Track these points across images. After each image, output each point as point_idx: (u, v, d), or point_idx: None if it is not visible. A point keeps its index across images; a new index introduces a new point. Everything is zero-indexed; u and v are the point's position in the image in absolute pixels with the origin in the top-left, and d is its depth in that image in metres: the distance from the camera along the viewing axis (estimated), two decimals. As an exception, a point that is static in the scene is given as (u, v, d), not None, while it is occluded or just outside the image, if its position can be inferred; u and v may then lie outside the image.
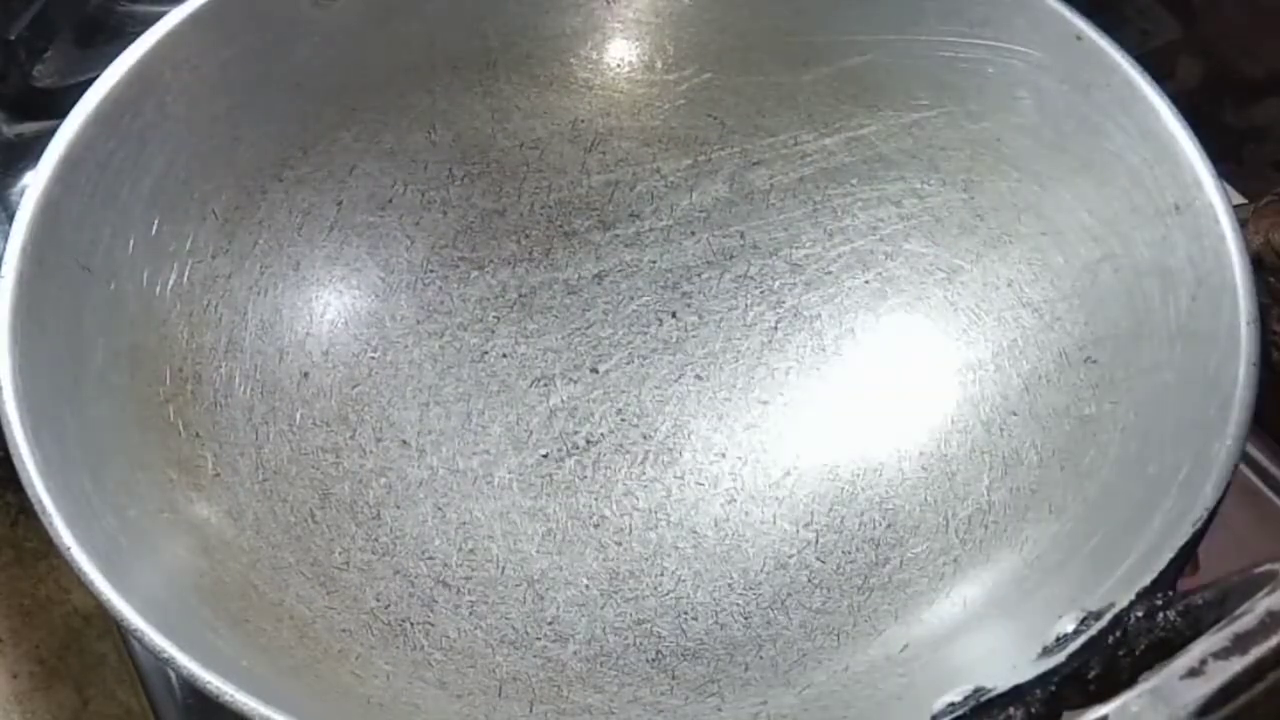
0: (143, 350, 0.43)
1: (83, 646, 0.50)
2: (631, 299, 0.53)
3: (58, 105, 0.44)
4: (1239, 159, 0.60)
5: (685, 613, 0.45)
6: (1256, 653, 0.29)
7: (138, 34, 0.43)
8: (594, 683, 0.43)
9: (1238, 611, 0.30)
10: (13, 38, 0.55)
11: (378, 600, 0.43)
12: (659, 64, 0.52)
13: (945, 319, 0.49)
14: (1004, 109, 0.47)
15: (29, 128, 0.56)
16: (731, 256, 0.53)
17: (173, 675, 0.44)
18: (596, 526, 0.47)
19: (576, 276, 0.53)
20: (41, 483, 0.35)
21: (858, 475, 0.48)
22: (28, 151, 0.53)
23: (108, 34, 0.58)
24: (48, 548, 0.35)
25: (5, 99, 0.56)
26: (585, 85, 0.52)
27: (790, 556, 0.46)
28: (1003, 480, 0.45)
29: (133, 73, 0.42)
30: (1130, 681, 0.31)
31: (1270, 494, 0.48)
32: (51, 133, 0.41)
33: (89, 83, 0.42)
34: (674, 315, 0.52)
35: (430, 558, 0.46)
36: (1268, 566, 0.32)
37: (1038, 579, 0.40)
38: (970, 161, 0.49)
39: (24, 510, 0.52)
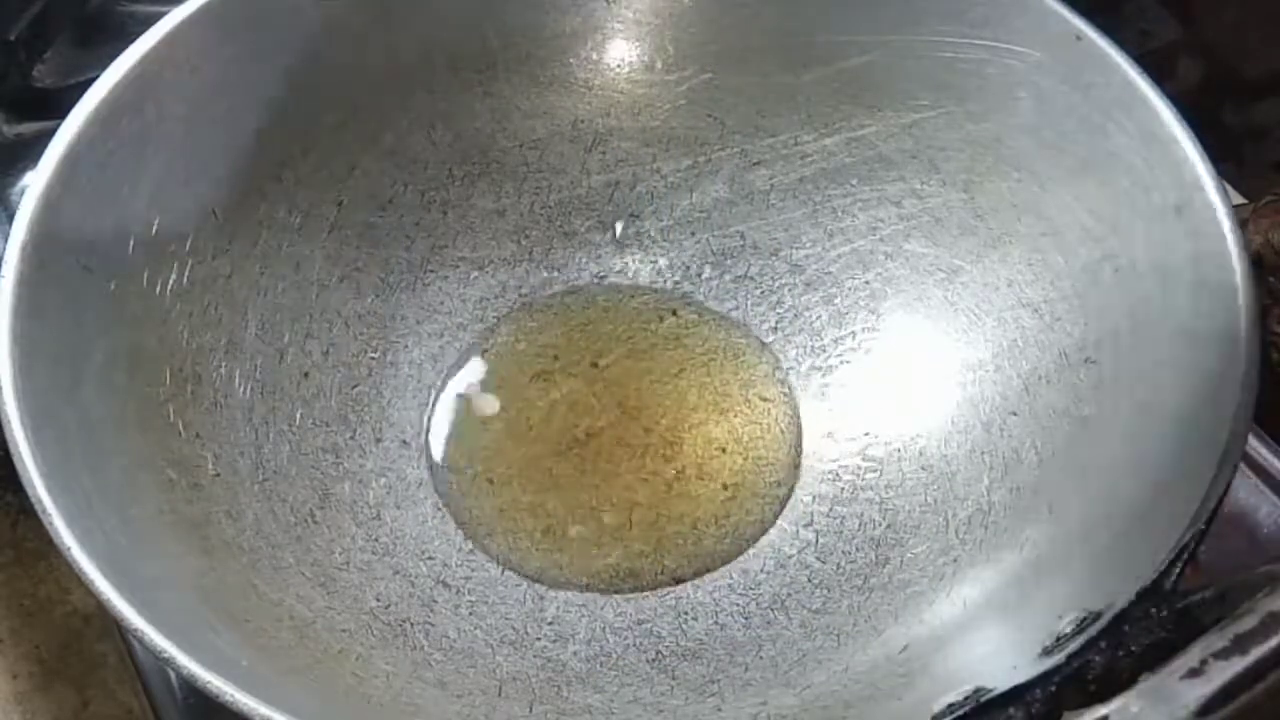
0: (143, 350, 0.43)
1: (83, 646, 0.50)
2: (632, 297, 0.53)
3: (58, 105, 0.44)
4: (1239, 159, 0.60)
5: (685, 612, 0.45)
6: (1256, 653, 0.29)
7: (138, 34, 0.43)
8: (594, 683, 0.43)
9: (1238, 611, 0.30)
10: (13, 38, 0.55)
11: (378, 600, 0.43)
12: (659, 64, 0.52)
13: (945, 319, 0.49)
14: (1004, 109, 0.47)
15: (29, 128, 0.56)
16: (731, 257, 0.53)
17: (173, 675, 0.44)
18: (596, 522, 0.47)
19: (576, 276, 0.53)
20: (41, 483, 0.35)
21: (858, 475, 0.48)
22: (28, 151, 0.53)
23: (108, 34, 0.58)
24: (48, 548, 0.35)
25: (5, 99, 0.56)
26: (585, 85, 0.52)
27: (790, 556, 0.46)
28: (1003, 480, 0.45)
29: (133, 73, 0.42)
30: (1130, 681, 0.31)
31: (1270, 494, 0.48)
32: (51, 133, 0.41)
33: (89, 83, 0.42)
34: (674, 313, 0.52)
35: (430, 558, 0.46)
36: (1268, 567, 0.32)
37: (1038, 579, 0.40)
38: (970, 162, 0.49)
39: (24, 510, 0.52)
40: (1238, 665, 0.29)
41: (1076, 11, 0.45)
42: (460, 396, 0.50)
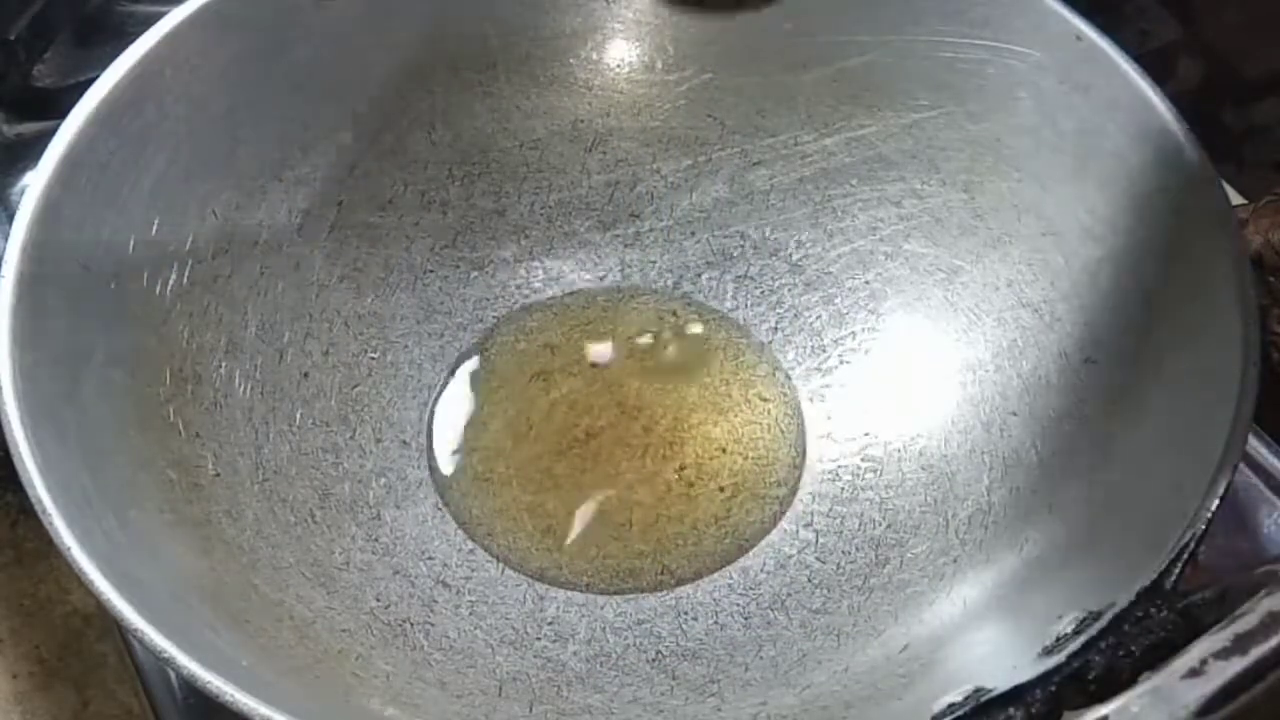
0: (143, 350, 0.43)
1: (83, 646, 0.50)
2: (631, 298, 0.53)
3: (58, 105, 0.44)
4: (1239, 159, 0.60)
5: (685, 612, 0.45)
6: (1256, 653, 0.29)
7: (138, 34, 0.43)
8: (594, 683, 0.43)
9: (1238, 611, 0.30)
10: (13, 38, 0.55)
11: (378, 600, 0.43)
12: (659, 64, 0.52)
13: (945, 319, 0.49)
14: (1004, 109, 0.47)
15: (29, 128, 0.55)
16: (731, 257, 0.53)
17: (173, 675, 0.44)
18: (596, 522, 0.47)
19: (576, 276, 0.53)
20: (41, 482, 0.35)
21: (858, 475, 0.48)
22: (28, 151, 0.53)
23: (108, 34, 0.58)
24: (48, 548, 0.35)
25: (5, 99, 0.56)
26: (585, 85, 0.52)
27: (790, 556, 0.46)
28: (1003, 481, 0.45)
29: (133, 73, 0.42)
30: (1130, 681, 0.31)
31: (1270, 494, 0.48)
32: (51, 133, 0.41)
33: (89, 83, 0.42)
34: (674, 313, 0.52)
35: (430, 558, 0.46)
36: (1268, 567, 0.32)
37: (1038, 579, 0.40)
38: (970, 162, 0.49)
39: (24, 510, 0.52)
40: (1238, 665, 0.29)
41: (1076, 11, 0.45)
42: (460, 395, 0.50)
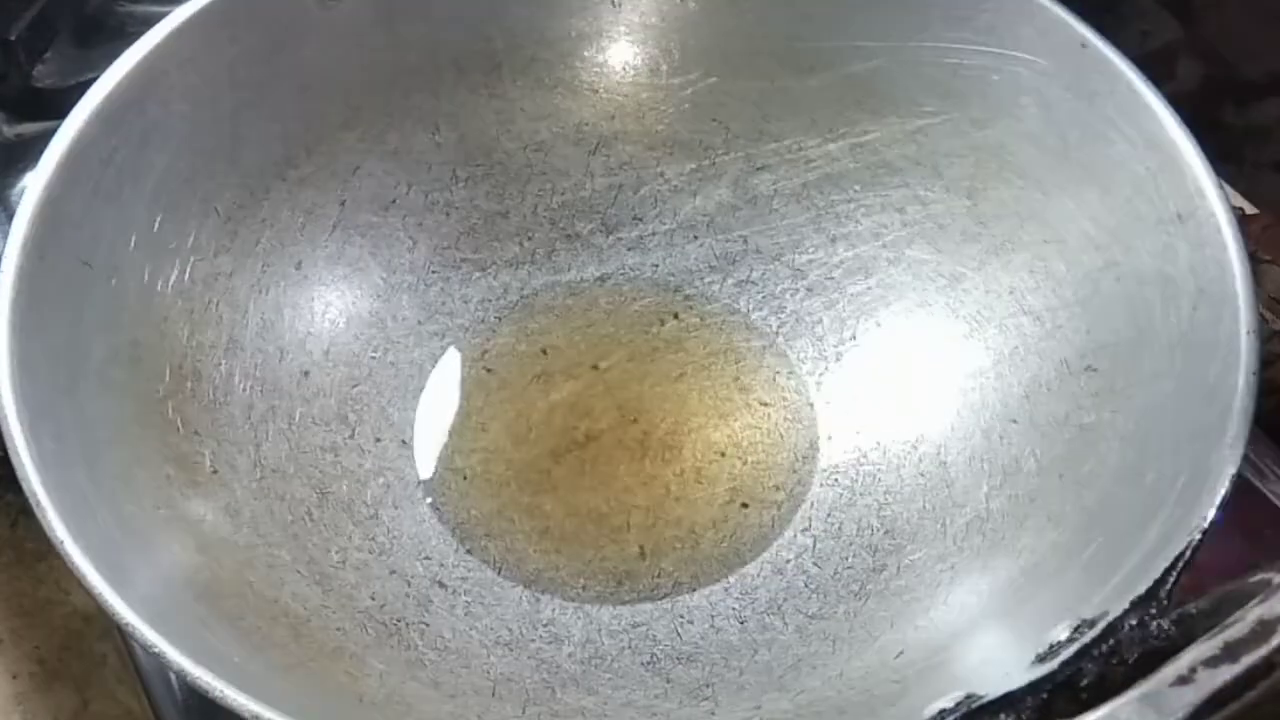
0: (143, 347, 0.43)
1: (83, 647, 0.50)
2: (634, 300, 0.53)
3: (58, 105, 0.44)
4: (1239, 160, 0.60)
5: (681, 616, 0.45)
6: (1247, 661, 0.29)
7: (138, 34, 0.43)
8: (588, 685, 0.43)
9: (1229, 620, 0.30)
10: (13, 38, 0.55)
11: (373, 600, 0.43)
12: (664, 68, 0.52)
13: (947, 326, 0.49)
14: (1008, 116, 0.47)
15: (29, 128, 0.56)
16: (734, 261, 0.53)
17: (173, 675, 0.44)
18: (594, 524, 0.47)
19: (579, 279, 0.53)
20: (38, 478, 0.35)
21: (856, 481, 0.48)
22: (28, 151, 0.53)
23: (108, 34, 0.58)
24: (48, 548, 0.35)
25: (5, 99, 0.56)
26: (590, 88, 0.52)
27: (787, 561, 0.46)
28: (1001, 488, 0.44)
29: (137, 69, 0.42)
30: (1122, 690, 0.31)
31: (1270, 497, 0.47)
32: (51, 133, 0.41)
33: (89, 83, 0.42)
34: (676, 316, 0.52)
35: (427, 558, 0.46)
36: (1261, 575, 0.32)
37: (1034, 587, 0.40)
38: (974, 169, 0.49)
39: (24, 511, 0.52)
40: (1227, 673, 0.29)
41: (1076, 13, 0.45)
42: (459, 396, 0.50)
